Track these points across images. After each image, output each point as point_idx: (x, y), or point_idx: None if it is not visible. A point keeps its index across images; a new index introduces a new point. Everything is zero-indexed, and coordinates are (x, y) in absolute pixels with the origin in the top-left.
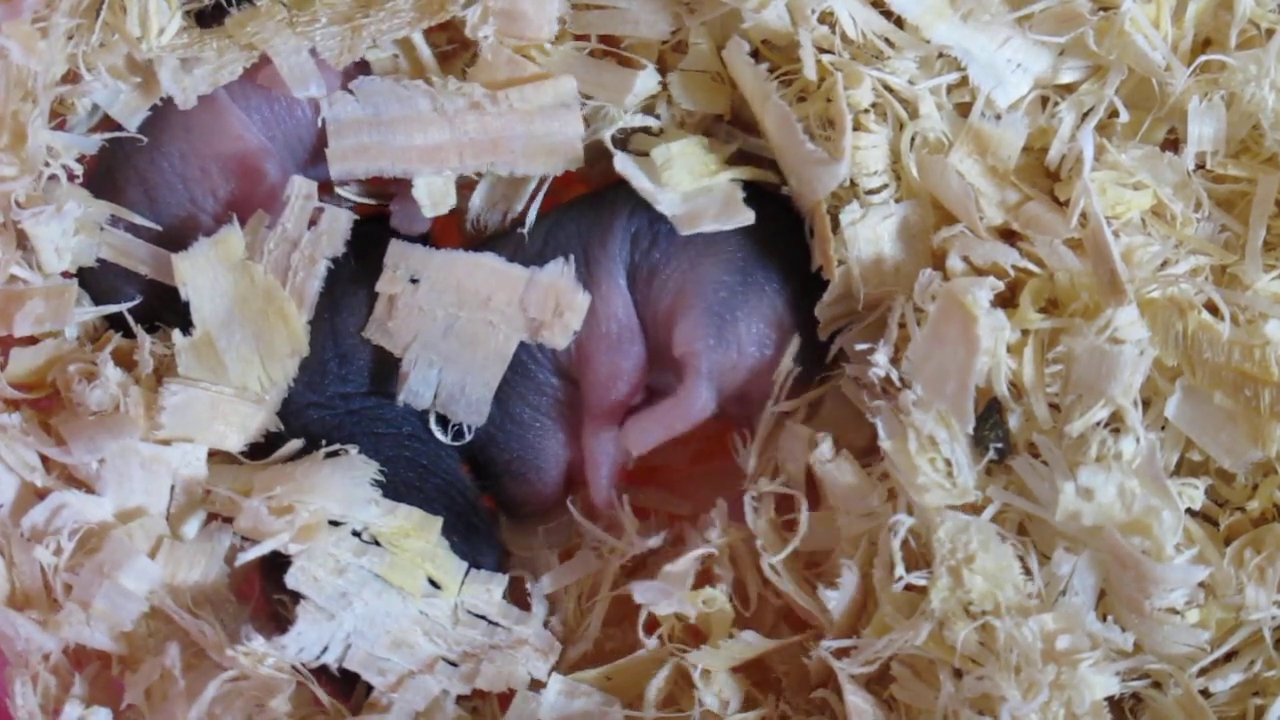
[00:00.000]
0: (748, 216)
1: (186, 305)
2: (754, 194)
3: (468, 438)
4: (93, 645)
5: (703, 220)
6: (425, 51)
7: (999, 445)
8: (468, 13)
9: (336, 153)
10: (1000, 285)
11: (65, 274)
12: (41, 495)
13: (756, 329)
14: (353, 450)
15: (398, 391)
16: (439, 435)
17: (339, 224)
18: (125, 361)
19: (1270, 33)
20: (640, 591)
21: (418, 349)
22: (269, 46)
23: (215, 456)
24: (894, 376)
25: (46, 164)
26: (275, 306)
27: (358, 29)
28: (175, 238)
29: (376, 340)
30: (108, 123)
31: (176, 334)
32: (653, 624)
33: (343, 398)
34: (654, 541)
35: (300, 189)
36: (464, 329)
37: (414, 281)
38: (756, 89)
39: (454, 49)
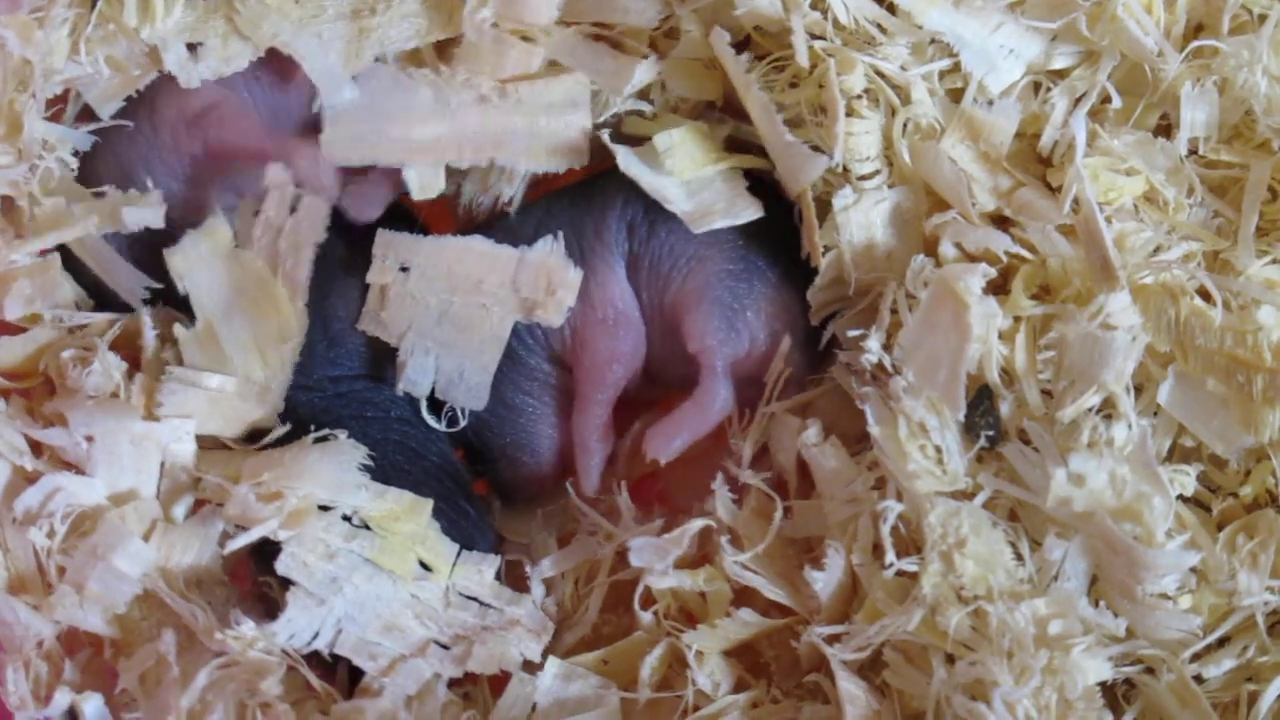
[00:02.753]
0: (756, 209)
1: (186, 297)
2: (748, 179)
3: (462, 423)
4: (85, 628)
5: (713, 217)
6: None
7: (990, 433)
8: None
9: (331, 140)
10: (992, 272)
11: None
12: (31, 480)
13: (765, 315)
14: (341, 435)
15: (396, 381)
16: (433, 423)
17: (317, 211)
18: (120, 345)
19: (1262, 18)
20: (636, 552)
21: (413, 337)
22: (292, 49)
23: (204, 441)
24: (886, 363)
25: (41, 156)
26: (267, 293)
27: (365, 31)
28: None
29: (371, 331)
30: (88, 111)
31: (178, 327)
32: (649, 599)
33: (331, 381)
34: (650, 527)
35: (275, 178)
36: (458, 314)
37: (404, 270)
38: (738, 79)
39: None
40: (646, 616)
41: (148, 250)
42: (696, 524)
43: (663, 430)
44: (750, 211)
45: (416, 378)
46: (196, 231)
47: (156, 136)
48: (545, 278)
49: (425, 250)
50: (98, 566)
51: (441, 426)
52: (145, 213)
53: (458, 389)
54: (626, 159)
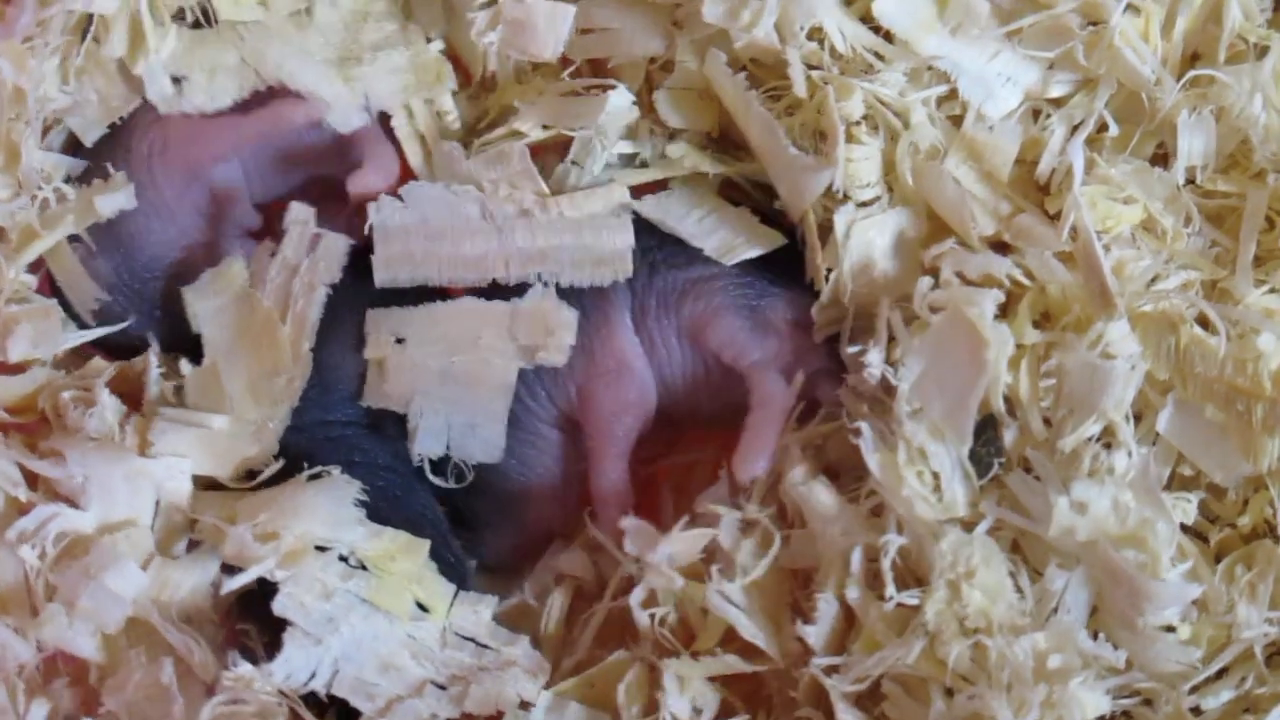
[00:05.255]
0: (777, 239)
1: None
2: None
3: (469, 479)
4: (72, 650)
5: (739, 249)
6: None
7: (998, 460)
8: (477, 16)
9: (382, 260)
10: (1002, 296)
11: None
12: (24, 511)
13: (782, 314)
14: (335, 470)
15: (410, 447)
16: (436, 481)
17: (336, 249)
18: (118, 386)
19: (1259, 48)
20: (632, 536)
21: (420, 401)
22: (300, 83)
23: (200, 481)
24: (890, 376)
25: (40, 187)
26: (270, 334)
27: (349, 80)
28: (138, 246)
29: (377, 405)
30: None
31: (184, 364)
32: (650, 600)
33: (322, 425)
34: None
35: (297, 215)
36: (461, 371)
37: (400, 341)
38: (738, 99)
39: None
40: (643, 618)
41: (168, 291)
42: (703, 531)
43: (744, 450)
44: (771, 240)
45: (429, 441)
46: (213, 271)
47: (148, 179)
48: (541, 321)
49: (418, 320)
50: (89, 585)
51: (450, 483)
52: (116, 197)
53: (473, 443)
54: (651, 208)
